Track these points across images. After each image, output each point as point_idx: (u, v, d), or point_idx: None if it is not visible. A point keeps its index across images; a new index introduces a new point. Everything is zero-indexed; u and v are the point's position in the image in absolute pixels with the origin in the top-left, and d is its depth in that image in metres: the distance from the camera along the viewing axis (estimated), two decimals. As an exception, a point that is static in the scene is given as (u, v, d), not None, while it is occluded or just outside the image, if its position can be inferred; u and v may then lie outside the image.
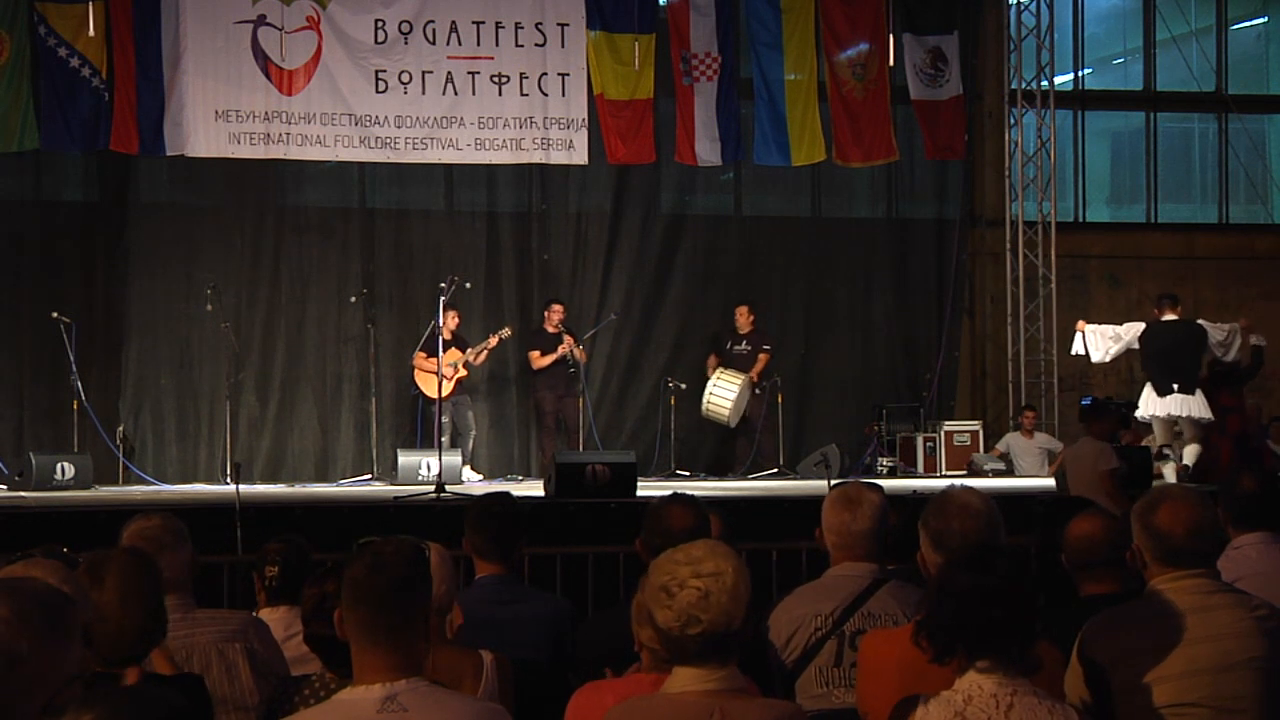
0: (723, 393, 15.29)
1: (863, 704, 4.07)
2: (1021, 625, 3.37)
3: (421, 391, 14.78)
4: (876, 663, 4.02)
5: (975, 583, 3.39)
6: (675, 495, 5.18)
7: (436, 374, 13.84)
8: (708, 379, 15.47)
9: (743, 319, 15.75)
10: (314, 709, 3.45)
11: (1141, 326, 13.94)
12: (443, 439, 14.15)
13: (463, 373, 14.85)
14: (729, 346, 15.76)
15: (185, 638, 4.31)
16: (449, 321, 14.61)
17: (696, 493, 12.52)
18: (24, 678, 2.39)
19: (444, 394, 14.34)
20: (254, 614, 4.99)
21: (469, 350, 14.80)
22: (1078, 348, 14.36)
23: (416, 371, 14.81)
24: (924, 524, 4.22)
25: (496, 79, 15.38)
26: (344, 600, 3.28)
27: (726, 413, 15.28)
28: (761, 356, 15.62)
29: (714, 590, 3.29)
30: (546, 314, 15.24)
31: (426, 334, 14.49)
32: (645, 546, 4.91)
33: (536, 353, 15.12)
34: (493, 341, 14.86)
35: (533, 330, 15.43)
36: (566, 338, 15.00)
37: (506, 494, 5.72)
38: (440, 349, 13.73)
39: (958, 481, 4.62)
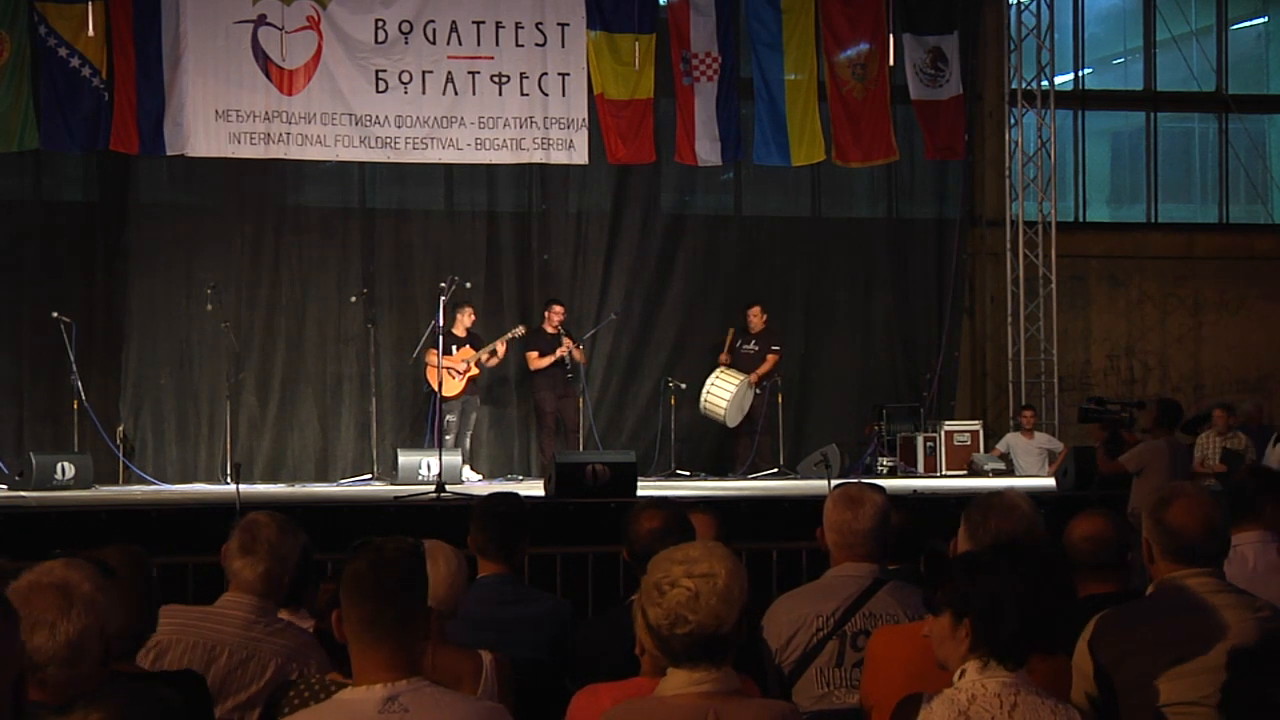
0: (720, 391, 15.27)
1: (867, 698, 4.08)
2: (1043, 625, 3.40)
3: (435, 389, 14.73)
4: (884, 657, 4.03)
5: (1004, 581, 3.40)
6: (651, 499, 5.22)
7: (437, 371, 13.80)
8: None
9: (755, 319, 15.71)
10: (314, 709, 3.44)
11: None
12: (450, 436, 14.11)
13: (474, 371, 14.82)
14: (738, 344, 15.74)
15: (256, 641, 4.33)
16: (464, 319, 14.59)
17: (696, 493, 12.47)
18: None
19: (456, 392, 14.31)
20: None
21: (481, 350, 14.76)
22: None
23: (429, 369, 14.70)
24: (966, 515, 4.37)
25: (496, 79, 15.37)
26: (344, 597, 3.27)
27: (722, 411, 15.26)
28: (769, 357, 15.58)
29: (704, 591, 3.28)
30: (546, 314, 15.20)
31: (428, 332, 14.46)
32: (627, 550, 4.95)
33: (535, 354, 15.08)
34: (500, 347, 14.81)
35: (531, 331, 15.40)
36: (565, 340, 14.98)
37: (513, 494, 5.71)
38: (446, 346, 13.70)
39: (1007, 483, 4.79)
